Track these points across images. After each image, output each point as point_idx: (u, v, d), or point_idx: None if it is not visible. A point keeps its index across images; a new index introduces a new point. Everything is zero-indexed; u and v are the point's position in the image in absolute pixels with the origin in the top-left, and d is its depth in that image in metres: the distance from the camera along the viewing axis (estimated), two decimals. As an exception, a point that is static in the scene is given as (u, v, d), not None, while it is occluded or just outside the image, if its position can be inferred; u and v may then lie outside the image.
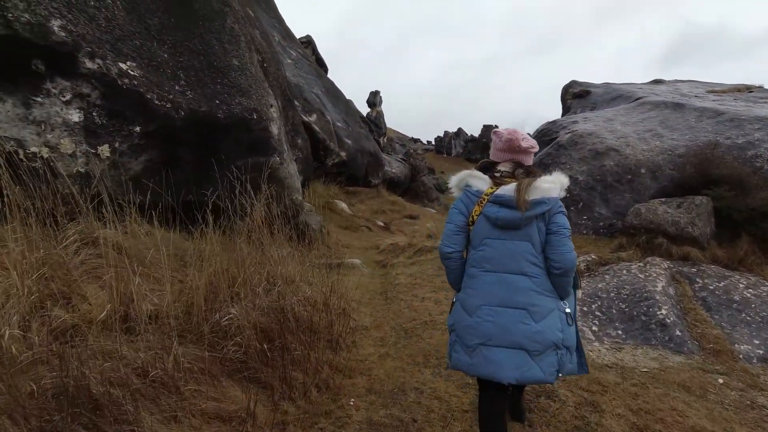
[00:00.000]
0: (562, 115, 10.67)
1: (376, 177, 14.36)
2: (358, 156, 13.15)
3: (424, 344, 3.62)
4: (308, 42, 33.18)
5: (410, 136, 69.06)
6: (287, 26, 13.91)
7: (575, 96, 9.61)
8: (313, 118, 11.61)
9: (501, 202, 2.07)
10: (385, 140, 45.26)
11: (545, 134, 7.77)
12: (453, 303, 2.25)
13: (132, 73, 4.27)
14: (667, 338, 3.92)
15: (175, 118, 4.54)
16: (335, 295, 4.31)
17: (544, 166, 7.00)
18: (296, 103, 11.04)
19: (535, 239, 2.07)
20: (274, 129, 5.68)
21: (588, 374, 2.59)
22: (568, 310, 2.11)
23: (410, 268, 5.72)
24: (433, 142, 59.60)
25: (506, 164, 2.24)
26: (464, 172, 2.28)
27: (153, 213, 4.00)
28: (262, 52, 6.15)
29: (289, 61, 12.30)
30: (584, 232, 6.09)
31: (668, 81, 10.94)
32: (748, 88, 10.15)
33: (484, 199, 2.12)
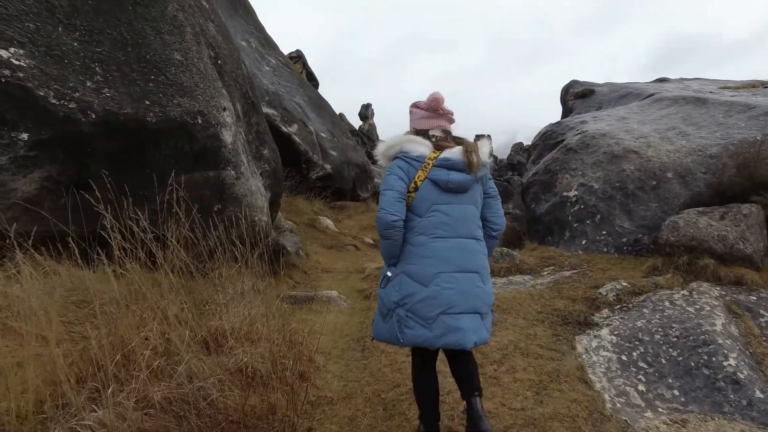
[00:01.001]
0: (563, 117, 9.66)
1: (365, 190, 13.28)
2: (345, 168, 12.08)
3: (410, 428, 2.50)
4: (298, 57, 32.38)
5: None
6: (267, 34, 12.94)
7: (578, 96, 8.60)
8: (294, 128, 10.56)
9: (449, 165, 2.04)
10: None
11: (549, 137, 6.73)
12: (388, 277, 2.09)
13: (16, 62, 3.18)
14: (744, 402, 2.81)
15: (82, 122, 3.44)
16: (293, 351, 3.20)
17: (551, 173, 5.95)
18: (272, 111, 10.00)
19: (478, 202, 2.11)
20: (227, 136, 4.60)
21: None
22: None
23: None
24: (427, 154, 58.82)
25: (436, 130, 2.18)
26: (398, 137, 2.15)
27: (60, 246, 2.93)
28: (216, 47, 5.09)
29: (268, 68, 11.29)
30: (604, 250, 5.01)
31: (673, 79, 9.96)
32: (764, 84, 9.18)
33: (428, 164, 2.05)
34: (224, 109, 4.71)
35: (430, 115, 2.19)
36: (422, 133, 2.18)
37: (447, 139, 2.16)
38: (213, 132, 4.40)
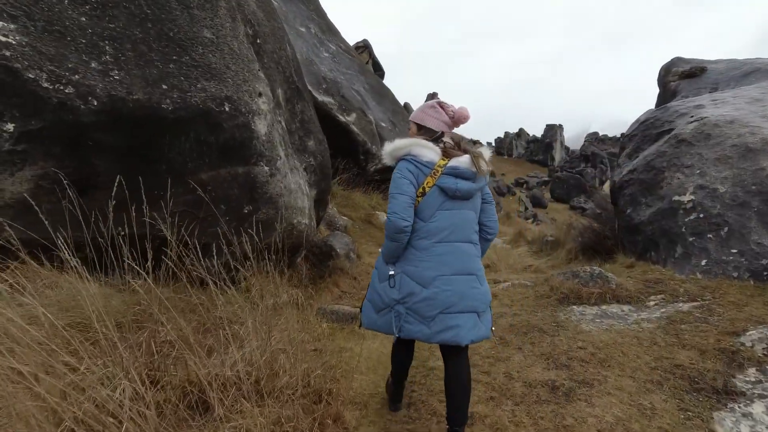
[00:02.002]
0: (659, 103, 8.12)
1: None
2: (405, 160, 11.20)
3: None
4: (365, 46, 31.82)
5: (469, 137, 66.11)
6: (329, 20, 12.28)
7: (684, 75, 7.07)
8: (352, 117, 9.83)
9: (458, 173, 2.07)
10: (444, 143, 43.09)
11: (651, 126, 5.41)
12: (390, 276, 2.15)
13: (2, 39, 2.63)
14: None
15: (81, 110, 2.85)
16: (317, 409, 2.43)
17: (655, 171, 4.70)
18: (329, 99, 9.32)
19: (478, 209, 2.19)
20: (261, 126, 3.89)
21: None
22: None
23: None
24: (494, 144, 56.40)
25: (449, 135, 2.24)
26: (407, 140, 2.16)
27: (64, 253, 2.40)
28: (255, 24, 4.40)
29: (326, 54, 10.62)
30: (734, 274, 3.75)
31: (805, 55, 7.97)
32: None
33: (438, 171, 2.07)
34: (259, 95, 4.00)
35: (451, 124, 2.25)
36: (432, 133, 2.21)
37: (455, 147, 2.20)
38: (243, 121, 3.71)
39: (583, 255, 8.91)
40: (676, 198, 4.38)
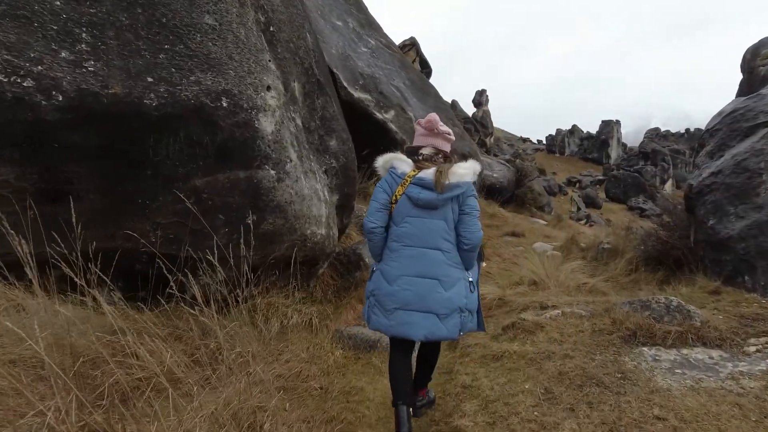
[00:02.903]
0: (745, 92, 6.91)
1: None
2: (447, 160, 10.44)
3: None
4: (412, 44, 31.15)
5: (519, 135, 63.54)
6: (369, 14, 11.72)
7: (778, 59, 5.87)
8: (390, 115, 9.21)
9: (422, 184, 2.25)
10: (492, 140, 41.53)
11: (741, 118, 4.39)
12: (373, 271, 2.43)
13: (-54, 24, 2.23)
14: None
15: (42, 108, 2.41)
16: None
17: (749, 174, 3.75)
18: (365, 95, 8.74)
19: (449, 218, 2.28)
20: (266, 124, 3.35)
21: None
22: (471, 279, 2.36)
23: (495, 372, 2.95)
24: (545, 141, 53.85)
25: (428, 149, 2.40)
26: (390, 155, 2.43)
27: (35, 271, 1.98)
28: (268, 11, 3.87)
29: (365, 49, 10.05)
30: None
31: None
32: None
33: (407, 181, 2.29)
34: (267, 88, 3.47)
35: (427, 134, 2.43)
36: (416, 149, 2.42)
37: (434, 159, 2.37)
38: (244, 118, 3.18)
39: (645, 267, 7.77)
40: (780, 208, 3.42)
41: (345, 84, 8.47)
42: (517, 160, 19.79)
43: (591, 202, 30.30)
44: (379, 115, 8.96)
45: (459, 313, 2.27)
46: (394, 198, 2.31)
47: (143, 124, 2.76)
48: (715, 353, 2.71)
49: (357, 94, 8.69)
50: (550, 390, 2.48)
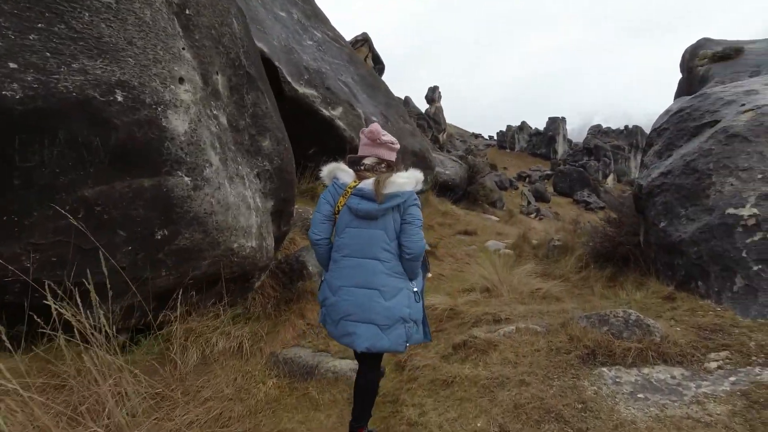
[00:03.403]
0: (684, 91, 7.00)
1: (423, 182, 11.23)
2: (399, 158, 10.11)
3: None
4: (364, 40, 30.68)
5: (471, 131, 64.57)
6: (315, 5, 11.16)
7: (717, 58, 5.93)
8: (338, 111, 8.76)
9: (362, 194, 2.22)
10: (445, 136, 41.84)
11: (687, 117, 4.30)
12: (322, 281, 2.43)
13: None
14: None
15: None
16: None
17: (698, 175, 3.63)
18: (311, 91, 8.23)
19: (390, 228, 2.25)
20: (178, 123, 2.83)
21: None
22: (415, 289, 2.33)
23: (445, 403, 2.61)
24: (496, 137, 54.97)
25: (370, 158, 2.38)
26: (332, 165, 2.40)
27: None
28: (185, -8, 3.34)
29: (310, 42, 9.52)
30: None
31: None
32: None
33: (348, 192, 2.26)
34: (180, 81, 2.94)
35: (370, 144, 2.40)
36: (358, 159, 2.40)
37: (375, 168, 2.35)
38: (147, 116, 2.65)
39: (594, 263, 7.82)
40: (731, 211, 3.30)
41: (289, 78, 7.93)
42: (470, 157, 19.85)
43: (540, 196, 31.13)
44: (326, 112, 8.49)
45: (403, 324, 2.23)
46: (336, 209, 2.30)
47: (2, 122, 2.18)
48: (677, 371, 2.50)
49: (302, 89, 8.17)
50: (505, 428, 2.16)
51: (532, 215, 23.67)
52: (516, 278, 4.59)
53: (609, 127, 46.20)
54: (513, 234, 11.74)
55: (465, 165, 15.75)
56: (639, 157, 42.37)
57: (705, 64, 6.20)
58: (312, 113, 8.35)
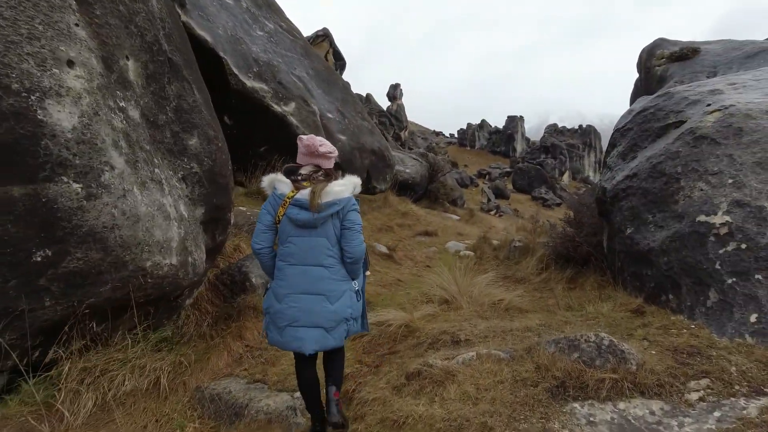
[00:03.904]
0: (641, 91, 6.91)
1: (383, 181, 10.83)
2: (356, 156, 9.66)
3: None
4: (324, 35, 29.89)
5: (432, 129, 64.84)
6: (268, -6, 10.48)
7: (675, 58, 5.82)
8: (290, 107, 8.19)
9: (300, 204, 2.27)
10: (407, 134, 41.66)
11: (651, 117, 4.08)
12: (267, 289, 2.46)
13: None
14: None
15: None
16: None
17: (666, 179, 3.38)
18: (261, 85, 7.63)
19: (331, 235, 2.32)
20: (63, 116, 2.26)
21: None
22: (357, 289, 2.45)
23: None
24: (456, 135, 55.40)
25: (307, 167, 2.40)
26: (272, 176, 2.45)
27: None
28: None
29: (261, 33, 8.88)
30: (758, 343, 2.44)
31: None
32: None
33: (286, 202, 2.30)
34: (68, 64, 2.36)
35: (307, 154, 2.41)
36: (295, 168, 2.44)
37: (311, 177, 2.36)
38: (15, 106, 2.07)
39: (555, 264, 7.67)
40: (702, 218, 3.05)
41: (235, 71, 7.30)
42: (430, 155, 19.61)
43: (500, 193, 31.48)
44: (277, 108, 7.90)
45: (345, 323, 2.36)
46: (277, 218, 2.33)
47: None
48: (656, 406, 2.18)
49: (251, 83, 7.55)
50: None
51: (492, 212, 23.82)
52: (476, 288, 4.24)
53: (564, 126, 47.48)
54: (474, 234, 11.55)
55: (426, 163, 15.47)
56: (592, 156, 43.82)
57: (663, 63, 6.09)
58: (262, 109, 7.75)
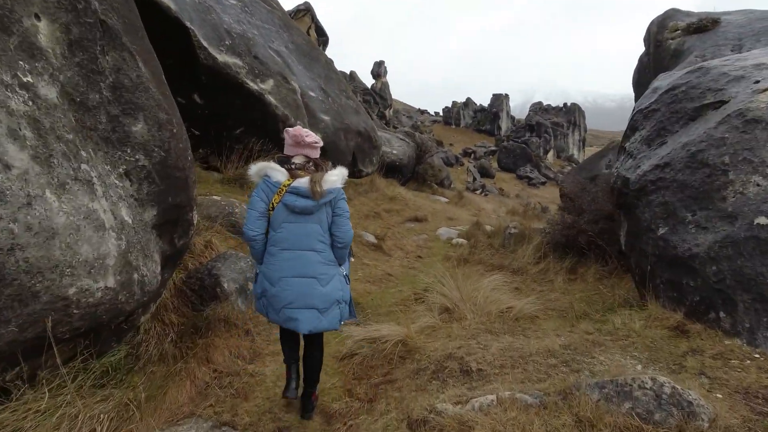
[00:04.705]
0: (652, 67, 6.33)
1: (369, 164, 10.12)
2: (341, 137, 8.92)
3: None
4: (306, 9, 28.41)
5: (417, 107, 63.64)
6: (242, -40, 9.44)
7: (692, 30, 5.20)
8: (268, 85, 7.38)
9: (298, 192, 2.38)
10: (392, 112, 40.63)
11: (683, 96, 3.48)
12: (257, 273, 2.58)
13: None
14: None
15: None
16: None
17: (710, 171, 2.79)
18: (234, 60, 6.79)
19: (324, 222, 2.46)
20: None
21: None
22: (345, 273, 2.59)
23: None
24: (441, 113, 54.40)
25: (299, 157, 2.51)
26: (262, 164, 2.49)
27: None
28: None
29: (234, 1, 7.96)
30: None
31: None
32: None
33: (282, 190, 2.39)
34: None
35: (294, 144, 2.51)
36: (287, 158, 2.51)
37: (305, 167, 2.48)
38: None
39: (553, 254, 7.19)
40: (763, 221, 2.50)
41: (205, 43, 6.43)
42: (417, 134, 18.87)
43: (485, 173, 30.99)
44: (253, 86, 7.08)
45: (337, 305, 2.50)
46: (271, 206, 2.41)
47: None
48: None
49: (222, 57, 6.70)
50: None
51: (478, 192, 23.35)
52: (481, 294, 3.67)
53: (549, 105, 46.90)
54: (464, 218, 11.01)
55: (413, 143, 14.76)
56: (576, 134, 43.49)
57: (678, 36, 5.48)
58: (237, 86, 6.92)
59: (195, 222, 3.48)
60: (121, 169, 2.64)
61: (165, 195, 2.94)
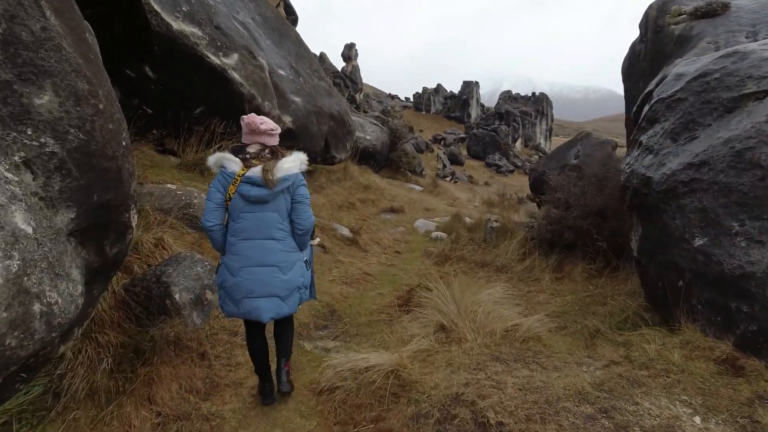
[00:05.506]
0: (636, 59, 5.94)
1: (343, 150, 9.39)
2: (313, 121, 8.14)
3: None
4: (276, -15, 26.90)
5: (388, 92, 62.55)
6: None
7: (700, 15, 4.77)
8: (232, 60, 6.52)
9: (252, 181, 2.36)
10: (362, 96, 39.56)
11: (716, 85, 2.99)
12: (219, 265, 2.53)
13: None
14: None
15: None
16: None
17: (761, 172, 2.29)
18: (193, 29, 5.89)
19: (282, 209, 2.44)
20: None
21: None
22: (306, 259, 2.59)
23: None
24: (412, 99, 53.60)
25: (254, 146, 2.48)
26: (219, 155, 2.49)
27: None
28: None
29: (192, -37, 6.94)
30: None
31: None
32: None
33: (237, 180, 2.37)
34: None
35: (249, 132, 2.48)
36: (242, 147, 2.49)
37: (259, 155, 2.45)
38: None
39: (539, 249, 6.79)
40: (840, 237, 2.03)
41: (157, 8, 5.49)
42: (390, 120, 18.16)
43: (455, 160, 30.69)
44: (215, 60, 6.19)
45: (298, 291, 2.52)
46: (228, 196, 2.39)
47: None
48: None
49: (178, 25, 5.77)
50: None
51: (448, 179, 23.00)
52: (482, 309, 3.11)
53: (518, 93, 47.00)
54: (441, 208, 10.50)
55: (387, 129, 14.06)
56: (544, 123, 43.84)
57: (683, 21, 5.04)
58: (195, 60, 6.01)
59: (134, 223, 2.71)
60: (16, 158, 1.87)
61: (88, 192, 2.18)
